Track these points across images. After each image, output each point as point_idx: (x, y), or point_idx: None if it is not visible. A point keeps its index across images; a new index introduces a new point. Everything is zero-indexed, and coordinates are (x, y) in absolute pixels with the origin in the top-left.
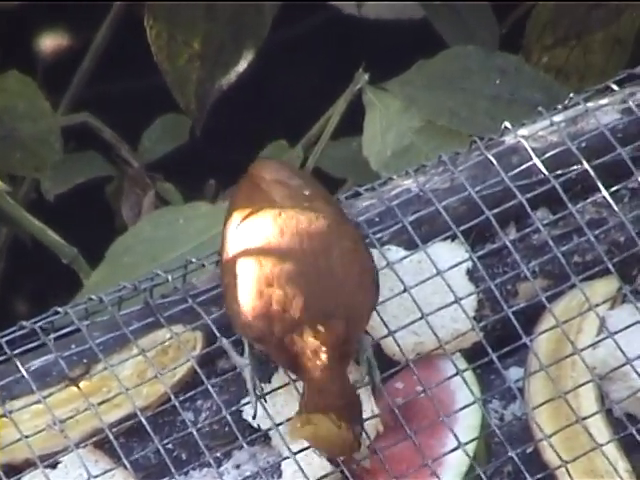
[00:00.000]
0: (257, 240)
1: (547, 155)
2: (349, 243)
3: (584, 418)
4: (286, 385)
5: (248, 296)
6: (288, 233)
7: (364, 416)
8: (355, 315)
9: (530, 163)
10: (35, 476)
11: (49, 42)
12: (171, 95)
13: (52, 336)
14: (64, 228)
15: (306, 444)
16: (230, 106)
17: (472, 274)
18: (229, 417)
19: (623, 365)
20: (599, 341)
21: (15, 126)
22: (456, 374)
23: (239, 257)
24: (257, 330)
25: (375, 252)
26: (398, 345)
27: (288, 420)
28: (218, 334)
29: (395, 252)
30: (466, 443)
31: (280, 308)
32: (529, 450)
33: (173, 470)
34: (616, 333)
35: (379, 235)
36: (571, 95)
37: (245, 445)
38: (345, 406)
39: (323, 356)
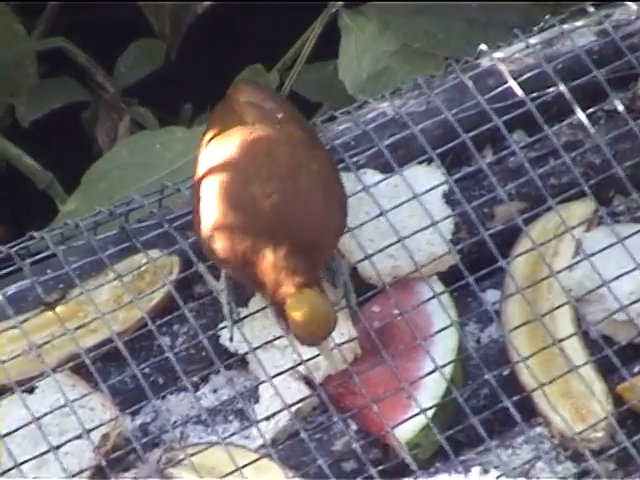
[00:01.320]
0: (223, 162)
1: (523, 77)
2: (317, 166)
3: (560, 340)
4: (263, 309)
5: (212, 218)
6: (255, 154)
7: (342, 340)
8: (320, 236)
9: (506, 85)
10: (12, 401)
11: None
12: (146, 20)
13: (28, 261)
14: (39, 154)
15: (284, 367)
16: (205, 30)
17: (448, 197)
18: (206, 342)
19: (599, 287)
20: (575, 263)
21: None
22: (433, 297)
23: (206, 179)
24: (222, 252)
25: (351, 176)
26: (375, 269)
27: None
28: (195, 259)
29: (371, 176)
30: (443, 366)
31: (243, 230)
32: (506, 372)
33: (150, 394)
34: (592, 255)
35: (355, 159)
36: (547, 17)
37: (222, 369)
38: (316, 283)
39: (284, 272)
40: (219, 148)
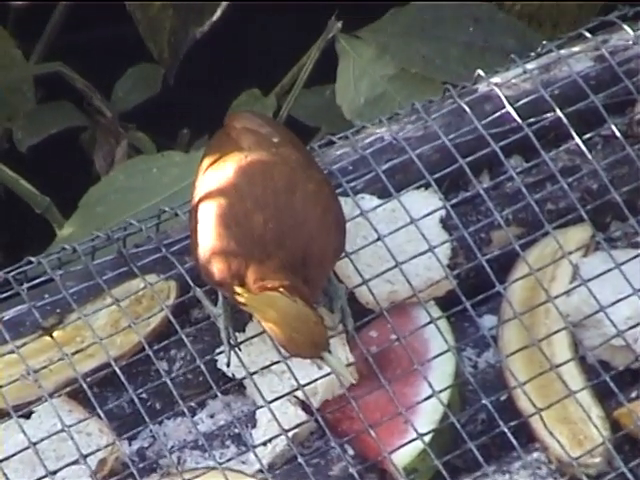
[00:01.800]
0: (220, 186)
1: (520, 103)
2: (313, 186)
3: (558, 365)
4: (260, 334)
5: (209, 242)
6: (250, 174)
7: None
8: (314, 254)
9: (503, 111)
10: (9, 426)
11: None
12: (144, 44)
13: (25, 286)
14: (37, 178)
15: (281, 392)
16: (203, 55)
17: (446, 222)
18: (203, 366)
19: (596, 312)
20: (572, 289)
21: None
22: (430, 322)
23: (202, 203)
24: (218, 274)
25: (349, 201)
26: (372, 293)
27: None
28: (192, 283)
29: (369, 201)
30: (440, 391)
31: (236, 247)
32: (503, 398)
33: (147, 419)
34: (589, 280)
35: (353, 184)
36: (544, 42)
37: (219, 394)
38: (295, 288)
39: (272, 270)
40: (215, 173)
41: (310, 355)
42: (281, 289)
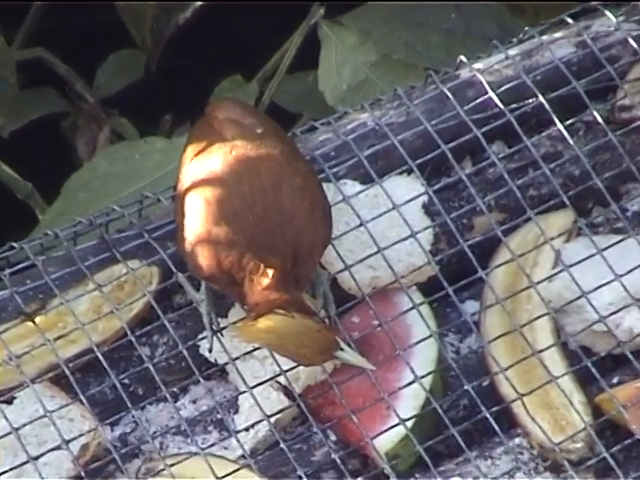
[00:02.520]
0: (206, 180)
1: (502, 88)
2: (299, 179)
3: (540, 351)
4: (243, 320)
5: (196, 236)
6: (237, 171)
7: None
8: (304, 249)
9: (486, 97)
10: None
11: None
12: (126, 30)
13: (7, 271)
14: (19, 164)
15: (263, 378)
16: (186, 41)
17: (428, 208)
18: (185, 352)
19: (578, 298)
20: (555, 274)
21: None
22: (412, 308)
23: (188, 197)
24: (207, 269)
25: (331, 186)
26: (354, 279)
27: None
28: (174, 269)
29: (351, 186)
30: (422, 376)
31: (227, 246)
32: (485, 383)
33: (129, 405)
34: (571, 266)
35: (335, 169)
36: (526, 28)
37: (202, 380)
38: (291, 302)
39: (267, 286)
40: (200, 166)
41: (324, 361)
42: (276, 310)
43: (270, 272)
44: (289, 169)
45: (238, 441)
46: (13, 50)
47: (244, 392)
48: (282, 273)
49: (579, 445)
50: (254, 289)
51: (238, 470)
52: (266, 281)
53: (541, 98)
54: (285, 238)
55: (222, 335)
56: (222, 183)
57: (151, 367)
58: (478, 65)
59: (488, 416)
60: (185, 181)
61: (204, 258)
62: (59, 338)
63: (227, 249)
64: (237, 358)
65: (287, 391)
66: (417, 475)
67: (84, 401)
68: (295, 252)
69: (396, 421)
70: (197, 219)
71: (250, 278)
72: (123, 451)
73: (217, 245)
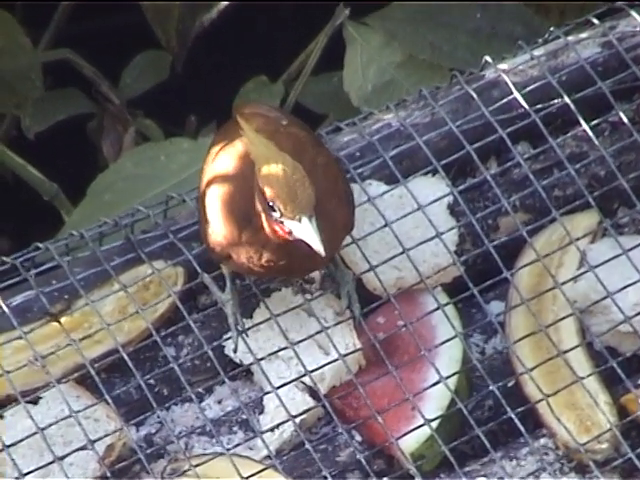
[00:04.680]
0: (228, 170)
1: (528, 89)
2: (323, 159)
3: (565, 352)
4: (268, 320)
5: (217, 215)
6: (262, 146)
7: (347, 351)
8: (323, 222)
9: (511, 97)
10: (17, 412)
11: None
12: (152, 32)
13: (33, 272)
14: (45, 165)
15: (289, 378)
16: (211, 42)
17: (453, 208)
18: (211, 352)
19: (604, 298)
20: (580, 275)
21: None
22: (437, 308)
23: (213, 188)
24: (226, 242)
25: (356, 187)
26: (379, 280)
27: None
28: (199, 269)
29: (376, 187)
30: (447, 377)
31: (247, 217)
32: (510, 384)
33: (155, 405)
34: (597, 267)
35: (360, 170)
36: (552, 29)
37: (227, 380)
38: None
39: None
40: (224, 157)
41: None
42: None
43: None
44: (312, 151)
45: (263, 441)
46: (39, 51)
47: (269, 392)
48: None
49: (604, 446)
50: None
51: (263, 470)
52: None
53: (566, 98)
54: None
55: (247, 336)
56: (246, 161)
57: (176, 367)
58: (503, 66)
59: (513, 417)
60: (208, 174)
61: (225, 234)
62: (84, 338)
63: (247, 219)
64: (262, 359)
65: (312, 391)
66: (442, 475)
67: (109, 401)
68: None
69: (421, 422)
70: (217, 209)
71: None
72: (148, 451)
73: (238, 220)
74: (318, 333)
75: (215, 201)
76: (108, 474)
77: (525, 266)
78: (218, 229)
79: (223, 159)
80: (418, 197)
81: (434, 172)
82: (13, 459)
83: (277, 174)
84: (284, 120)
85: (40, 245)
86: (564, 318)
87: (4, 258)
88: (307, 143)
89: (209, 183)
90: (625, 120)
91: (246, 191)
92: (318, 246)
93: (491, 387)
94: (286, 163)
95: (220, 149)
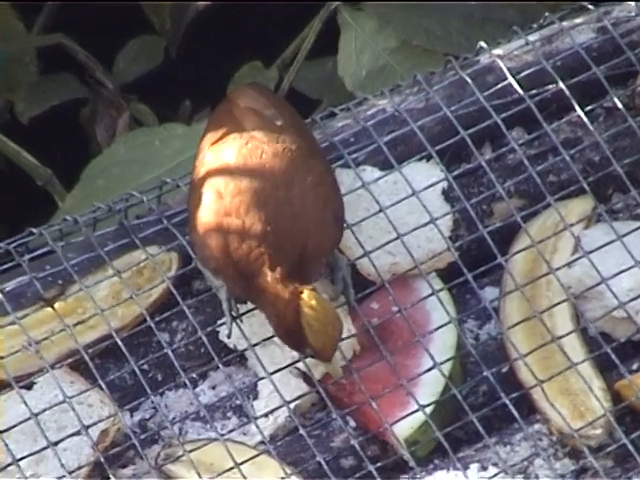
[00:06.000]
0: (219, 171)
1: (522, 74)
2: (313, 178)
3: (559, 337)
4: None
5: (206, 227)
6: (251, 164)
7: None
8: (312, 251)
9: (505, 82)
10: (10, 397)
11: None
12: (146, 16)
13: (27, 257)
14: (38, 150)
15: (283, 364)
16: (205, 27)
17: (447, 194)
18: (205, 338)
19: (598, 284)
20: (574, 260)
21: None
22: (431, 294)
23: (202, 188)
24: (215, 261)
25: (350, 172)
26: (374, 265)
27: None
28: (193, 255)
29: (370, 172)
30: (441, 363)
31: (236, 240)
32: (504, 370)
33: (149, 391)
34: (591, 252)
35: (354, 155)
36: (546, 14)
37: (221, 366)
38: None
39: (276, 285)
40: (216, 156)
41: (328, 357)
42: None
43: (278, 269)
44: (304, 166)
45: (257, 427)
46: (33, 36)
47: (263, 378)
48: (289, 271)
49: (598, 431)
50: (264, 282)
51: (257, 456)
52: (275, 276)
53: (561, 84)
54: (293, 237)
55: (241, 321)
56: (235, 176)
57: (170, 353)
58: (498, 51)
59: (507, 402)
60: (200, 170)
61: (213, 250)
62: (78, 324)
63: (237, 243)
64: (256, 344)
65: (306, 377)
66: (436, 461)
67: (103, 387)
68: (302, 252)
69: (415, 407)
70: (208, 210)
71: (259, 271)
72: (142, 437)
73: (226, 238)
74: None
75: (206, 208)
76: (102, 459)
77: (519, 252)
78: (204, 240)
79: (217, 157)
80: (412, 183)
81: (428, 157)
82: (7, 444)
83: (329, 338)
84: (279, 120)
85: (34, 230)
86: (558, 304)
87: None
88: (299, 158)
89: (201, 180)
90: (620, 106)
91: (238, 201)
92: (337, 374)
93: (485, 373)
94: (335, 327)
95: (215, 142)
